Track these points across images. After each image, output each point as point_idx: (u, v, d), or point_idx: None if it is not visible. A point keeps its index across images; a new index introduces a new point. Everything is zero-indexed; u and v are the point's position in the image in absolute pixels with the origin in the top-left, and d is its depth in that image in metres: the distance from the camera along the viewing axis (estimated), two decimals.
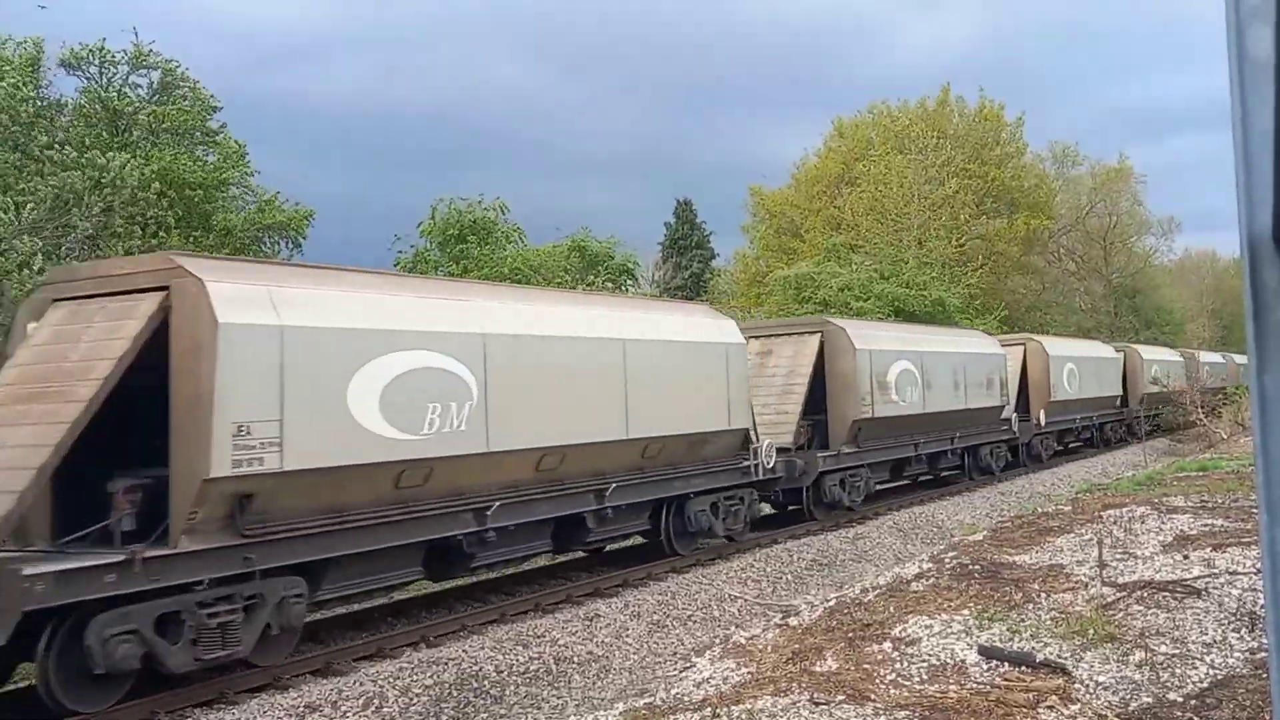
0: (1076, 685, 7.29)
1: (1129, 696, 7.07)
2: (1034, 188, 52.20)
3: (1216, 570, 10.27)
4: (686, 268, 49.94)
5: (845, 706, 7.08)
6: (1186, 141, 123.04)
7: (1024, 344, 30.80)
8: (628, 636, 12.41)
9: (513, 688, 10.57)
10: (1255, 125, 1.55)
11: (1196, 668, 7.57)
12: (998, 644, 8.29)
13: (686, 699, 7.83)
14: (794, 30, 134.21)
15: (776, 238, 49.53)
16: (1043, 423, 29.95)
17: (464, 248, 26.40)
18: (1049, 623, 8.86)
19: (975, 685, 7.39)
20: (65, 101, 22.00)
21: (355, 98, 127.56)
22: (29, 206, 17.55)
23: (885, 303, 35.72)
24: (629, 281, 32.24)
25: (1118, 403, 37.28)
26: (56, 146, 19.71)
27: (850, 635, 9.12)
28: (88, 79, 22.08)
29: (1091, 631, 8.39)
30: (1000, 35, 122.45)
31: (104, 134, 21.31)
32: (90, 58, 21.76)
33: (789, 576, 15.89)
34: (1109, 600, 9.47)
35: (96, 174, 18.73)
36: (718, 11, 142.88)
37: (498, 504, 12.12)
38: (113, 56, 21.90)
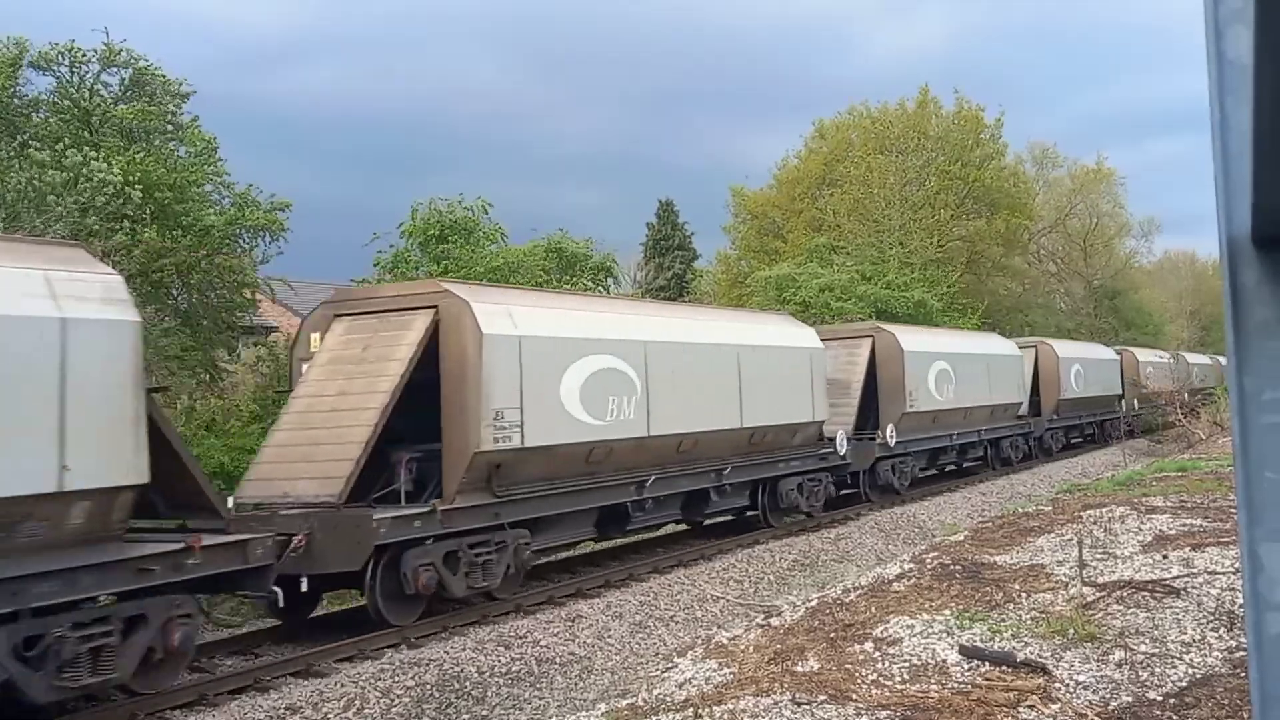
0: (1057, 684, 7.32)
1: (1109, 695, 7.10)
2: (1014, 188, 52.33)
3: (1195, 570, 10.33)
4: (669, 268, 49.90)
5: (827, 706, 7.09)
6: (1158, 145, 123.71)
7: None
8: (610, 637, 12.40)
9: (494, 689, 10.54)
10: (1233, 126, 1.55)
11: (1176, 667, 7.61)
12: (979, 644, 8.32)
13: (669, 699, 7.83)
14: (763, 34, 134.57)
15: (758, 238, 49.53)
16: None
17: (445, 248, 26.29)
18: (1029, 622, 8.90)
19: (956, 685, 7.41)
20: (40, 99, 21.76)
21: (328, 100, 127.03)
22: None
23: (867, 304, 35.78)
24: (609, 281, 32.15)
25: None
26: (34, 145, 19.54)
27: (832, 635, 9.14)
28: (58, 78, 21.82)
29: (1072, 631, 8.43)
30: (968, 41, 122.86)
31: (76, 131, 21.10)
32: (60, 58, 21.49)
33: (771, 577, 15.90)
34: (1089, 600, 9.51)
35: (74, 172, 18.55)
36: (687, 16, 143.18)
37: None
38: (83, 55, 21.63)
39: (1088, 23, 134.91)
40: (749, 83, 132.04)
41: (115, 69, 22.23)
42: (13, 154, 18.93)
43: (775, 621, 10.40)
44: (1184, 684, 7.28)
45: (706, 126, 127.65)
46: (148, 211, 20.21)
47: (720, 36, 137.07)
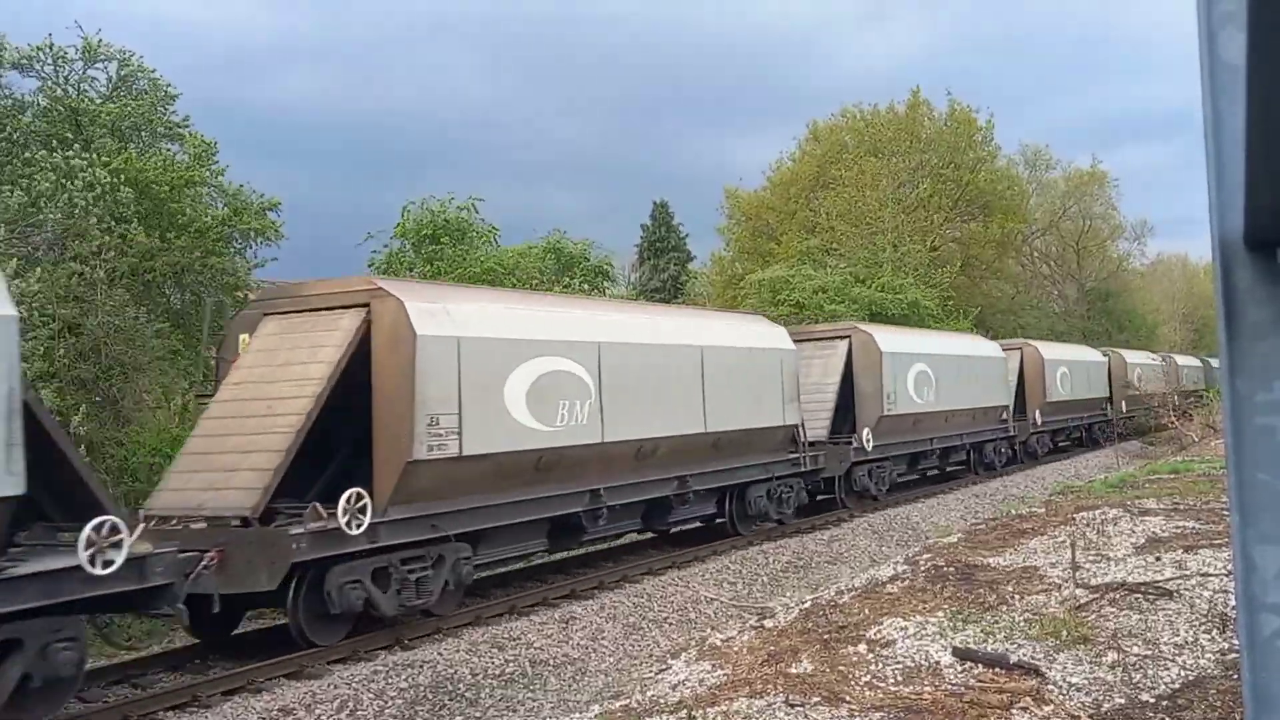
0: (1050, 686, 7.32)
1: (1102, 697, 7.11)
2: (1007, 190, 52.38)
3: (1188, 572, 10.34)
4: (664, 270, 49.90)
5: (821, 708, 7.08)
6: (1135, 152, 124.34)
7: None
8: (603, 639, 12.40)
9: (488, 691, 10.53)
10: (1226, 128, 1.55)
11: (1169, 669, 7.62)
12: (972, 645, 8.32)
13: (662, 701, 7.82)
14: (746, 43, 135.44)
15: (752, 240, 49.56)
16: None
17: (437, 248, 26.29)
18: (1022, 624, 8.90)
19: (949, 687, 7.41)
20: (26, 102, 21.68)
21: (319, 104, 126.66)
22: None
23: (861, 306, 35.83)
24: (605, 283, 32.18)
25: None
26: (20, 146, 19.49)
27: (825, 637, 9.13)
28: (43, 78, 21.73)
29: (1065, 633, 8.43)
30: (945, 50, 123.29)
31: (67, 133, 21.03)
32: (41, 56, 21.40)
33: (764, 578, 15.91)
34: (1082, 602, 9.52)
35: (64, 173, 18.51)
36: (674, 25, 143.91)
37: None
38: (65, 53, 21.54)
39: (1058, 33, 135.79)
40: (734, 90, 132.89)
41: (100, 64, 22.16)
42: (6, 156, 18.88)
43: (769, 623, 10.39)
44: (1177, 686, 7.29)
45: (692, 132, 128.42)
46: (137, 211, 20.15)
47: (706, 45, 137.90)
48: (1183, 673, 7.54)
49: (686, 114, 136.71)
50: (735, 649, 9.31)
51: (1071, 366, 34.90)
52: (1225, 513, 12.63)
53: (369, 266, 26.19)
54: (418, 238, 26.68)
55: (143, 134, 22.26)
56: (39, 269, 16.63)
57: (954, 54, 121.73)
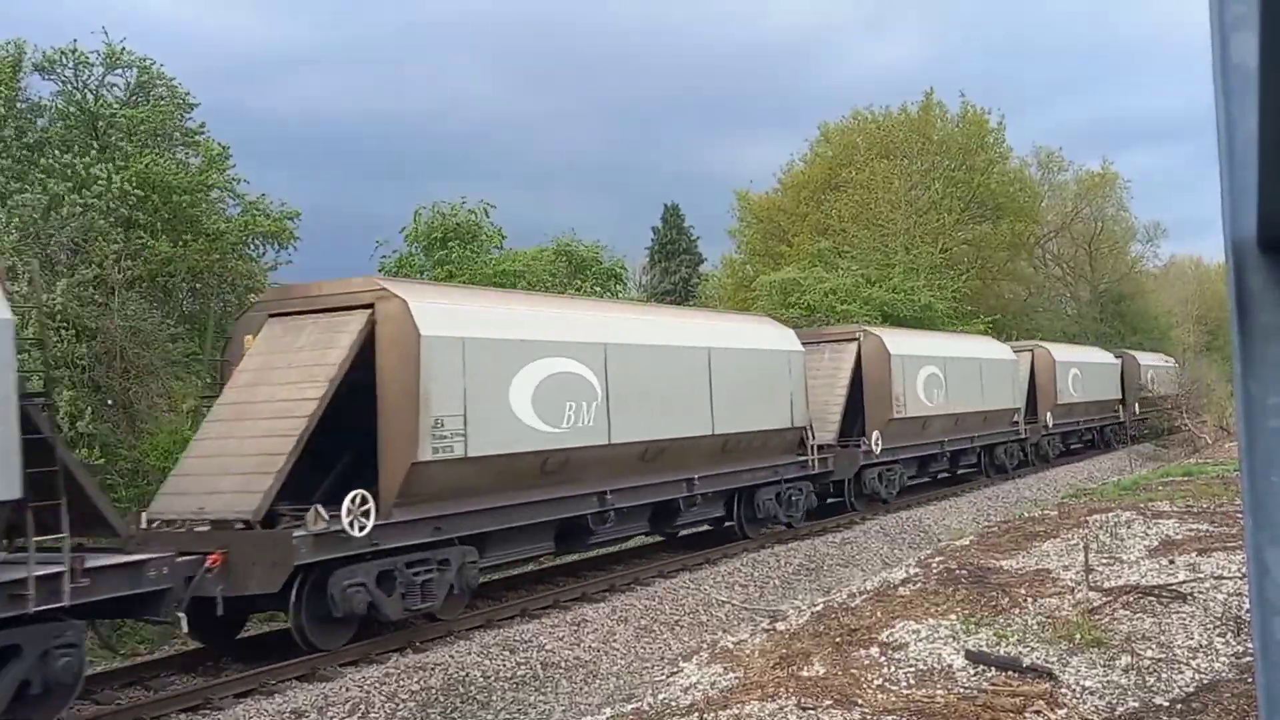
0: (1063, 690, 7.30)
1: (1115, 701, 7.09)
2: (1019, 192, 52.21)
3: (1202, 575, 10.30)
4: (675, 272, 49.90)
5: (833, 712, 7.07)
6: (1146, 154, 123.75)
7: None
8: (615, 641, 12.40)
9: (500, 693, 10.54)
10: (1238, 131, 1.55)
11: (1182, 672, 7.60)
12: (985, 649, 8.30)
13: (674, 704, 7.82)
14: (756, 45, 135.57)
15: (763, 242, 49.52)
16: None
17: (447, 252, 26.32)
18: (1035, 627, 8.88)
19: (962, 690, 7.40)
20: (44, 104, 21.79)
21: (325, 110, 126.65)
22: (15, 214, 17.49)
23: (873, 308, 35.79)
24: (617, 286, 32.19)
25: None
26: (42, 149, 19.60)
27: (837, 640, 9.12)
28: (63, 82, 21.83)
29: (1078, 636, 8.41)
30: (952, 53, 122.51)
31: (83, 136, 21.13)
32: (64, 60, 21.49)
33: (776, 581, 15.89)
34: (1095, 605, 9.49)
35: (79, 180, 18.60)
36: (677, 27, 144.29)
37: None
38: (86, 58, 21.61)
39: (1066, 35, 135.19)
40: (743, 93, 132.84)
41: (120, 71, 22.25)
42: (22, 161, 18.98)
43: (781, 626, 10.38)
44: (1191, 689, 7.26)
45: (702, 134, 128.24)
46: (158, 217, 20.24)
47: (713, 48, 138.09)
48: (1197, 676, 7.51)
49: (695, 116, 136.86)
50: (747, 652, 9.30)
51: (1156, 370, 44.11)
52: (1239, 515, 12.58)
53: (379, 270, 26.24)
54: (428, 241, 26.74)
55: (160, 140, 22.35)
56: (62, 282, 16.70)
57: (961, 57, 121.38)
